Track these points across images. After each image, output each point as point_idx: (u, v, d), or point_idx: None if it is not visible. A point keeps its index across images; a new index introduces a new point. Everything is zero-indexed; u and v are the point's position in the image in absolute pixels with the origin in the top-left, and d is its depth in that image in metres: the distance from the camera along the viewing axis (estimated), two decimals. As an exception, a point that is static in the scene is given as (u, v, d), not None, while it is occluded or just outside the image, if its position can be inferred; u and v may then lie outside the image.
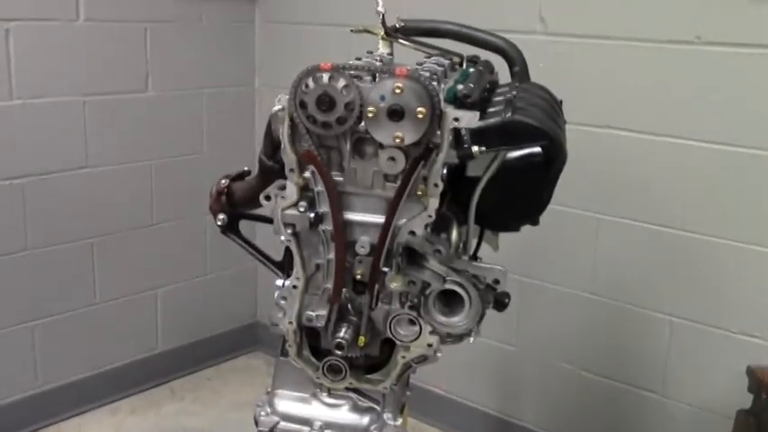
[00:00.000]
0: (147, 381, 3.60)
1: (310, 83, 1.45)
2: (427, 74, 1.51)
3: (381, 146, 1.47)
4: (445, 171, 1.48)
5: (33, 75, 3.00)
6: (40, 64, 3.02)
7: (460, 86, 1.50)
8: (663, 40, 2.54)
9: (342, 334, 1.61)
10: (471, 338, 1.65)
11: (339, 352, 1.62)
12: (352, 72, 1.47)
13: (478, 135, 1.45)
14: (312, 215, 1.55)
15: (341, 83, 1.44)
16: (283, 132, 1.51)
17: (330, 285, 1.60)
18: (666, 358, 2.71)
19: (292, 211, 1.56)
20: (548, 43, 2.76)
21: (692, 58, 2.49)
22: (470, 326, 1.61)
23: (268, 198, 1.60)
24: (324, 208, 1.55)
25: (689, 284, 2.63)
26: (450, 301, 1.60)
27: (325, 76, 1.44)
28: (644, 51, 2.58)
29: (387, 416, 1.74)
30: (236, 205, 1.79)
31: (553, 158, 1.50)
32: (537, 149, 1.48)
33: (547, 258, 2.94)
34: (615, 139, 2.68)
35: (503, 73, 1.82)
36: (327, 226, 1.56)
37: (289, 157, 1.53)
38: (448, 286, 1.57)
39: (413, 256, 1.57)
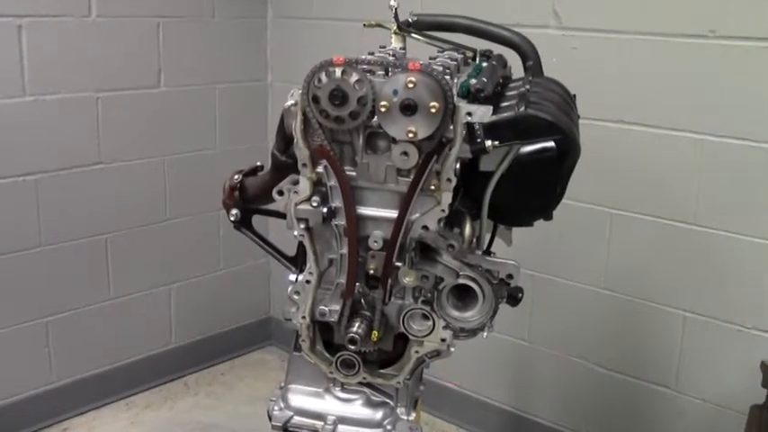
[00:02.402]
0: (161, 376, 3.62)
1: (323, 77, 1.45)
2: (440, 68, 1.51)
3: (394, 140, 1.47)
4: (458, 166, 1.48)
5: (46, 71, 3.01)
6: (53, 60, 3.03)
7: (473, 81, 1.49)
8: (676, 34, 2.53)
9: (355, 329, 1.61)
10: (484, 333, 1.65)
11: (352, 347, 1.62)
12: (364, 66, 1.47)
13: (492, 129, 1.45)
14: (325, 210, 1.54)
15: (354, 77, 1.44)
16: (296, 127, 1.51)
17: (343, 280, 1.60)
18: (680, 353, 2.70)
19: (305, 206, 1.56)
20: (561, 38, 2.75)
21: (706, 52, 2.48)
22: (483, 321, 1.61)
23: (281, 193, 1.59)
24: (337, 203, 1.55)
25: (702, 279, 2.62)
26: (463, 295, 1.60)
27: (338, 71, 1.44)
28: (657, 45, 2.57)
29: (400, 410, 1.74)
30: (249, 200, 1.79)
31: (566, 153, 1.50)
32: (550, 144, 1.48)
33: (560, 253, 2.93)
34: (629, 134, 2.67)
35: (516, 67, 1.82)
36: (340, 221, 1.56)
37: (301, 151, 1.53)
38: (461, 281, 1.57)
39: (426, 251, 1.57)
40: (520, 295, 1.63)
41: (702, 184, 2.56)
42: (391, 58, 1.58)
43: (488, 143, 1.44)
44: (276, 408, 1.77)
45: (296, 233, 1.59)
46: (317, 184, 1.56)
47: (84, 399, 3.35)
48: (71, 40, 3.07)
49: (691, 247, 2.62)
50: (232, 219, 1.79)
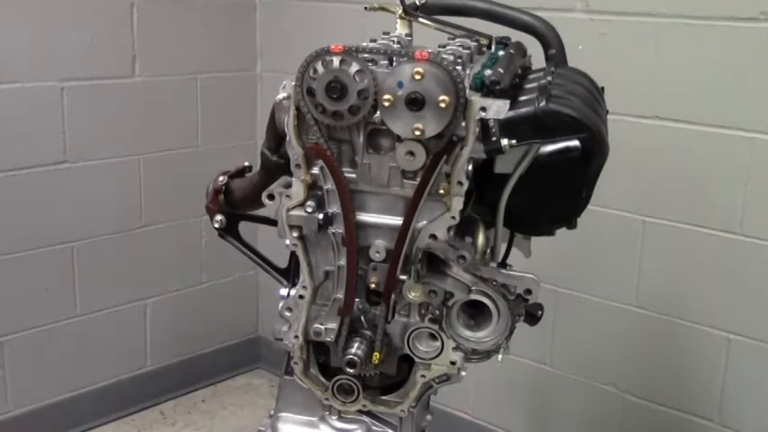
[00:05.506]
0: (133, 403, 3.63)
1: (319, 67, 1.47)
2: (451, 57, 1.53)
3: (399, 139, 1.48)
4: (471, 167, 1.49)
5: (2, 57, 3.02)
6: (10, 45, 3.03)
7: (488, 72, 1.51)
8: (722, 17, 2.53)
9: (354, 350, 1.62)
10: (500, 356, 1.67)
11: (351, 370, 1.63)
12: (366, 55, 1.49)
13: (508, 127, 1.46)
14: (321, 216, 1.56)
15: (353, 68, 1.46)
16: (289, 123, 1.53)
17: (341, 295, 1.62)
18: (723, 381, 2.71)
19: (298, 212, 1.57)
20: (588, 22, 2.76)
21: (756, 37, 2.48)
22: (498, 341, 1.62)
23: (271, 197, 1.61)
24: (334, 208, 1.56)
25: (749, 296, 2.62)
26: (475, 313, 1.62)
27: (336, 60, 1.46)
28: (699, 30, 2.57)
29: (404, 443, 1.75)
30: (235, 205, 1.81)
31: (593, 153, 1.52)
32: (575, 143, 1.50)
33: (585, 266, 2.94)
34: (665, 131, 2.68)
35: (536, 56, 1.84)
36: (338, 228, 1.57)
37: (295, 150, 1.54)
38: (473, 297, 1.59)
39: (434, 263, 1.58)
40: (540, 313, 1.64)
41: (750, 189, 2.56)
42: (396, 46, 1.59)
43: (505, 142, 1.45)
44: (265, 439, 1.79)
45: (288, 242, 1.61)
46: (312, 188, 1.57)
47: (44, 430, 3.35)
48: (32, 22, 3.07)
49: (736, 260, 2.63)
50: (216, 226, 1.81)
